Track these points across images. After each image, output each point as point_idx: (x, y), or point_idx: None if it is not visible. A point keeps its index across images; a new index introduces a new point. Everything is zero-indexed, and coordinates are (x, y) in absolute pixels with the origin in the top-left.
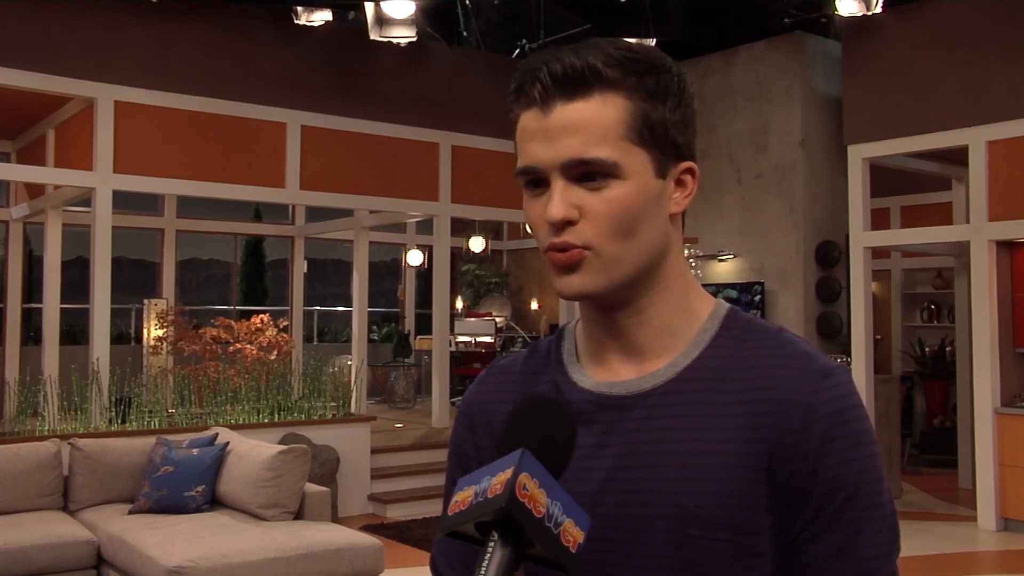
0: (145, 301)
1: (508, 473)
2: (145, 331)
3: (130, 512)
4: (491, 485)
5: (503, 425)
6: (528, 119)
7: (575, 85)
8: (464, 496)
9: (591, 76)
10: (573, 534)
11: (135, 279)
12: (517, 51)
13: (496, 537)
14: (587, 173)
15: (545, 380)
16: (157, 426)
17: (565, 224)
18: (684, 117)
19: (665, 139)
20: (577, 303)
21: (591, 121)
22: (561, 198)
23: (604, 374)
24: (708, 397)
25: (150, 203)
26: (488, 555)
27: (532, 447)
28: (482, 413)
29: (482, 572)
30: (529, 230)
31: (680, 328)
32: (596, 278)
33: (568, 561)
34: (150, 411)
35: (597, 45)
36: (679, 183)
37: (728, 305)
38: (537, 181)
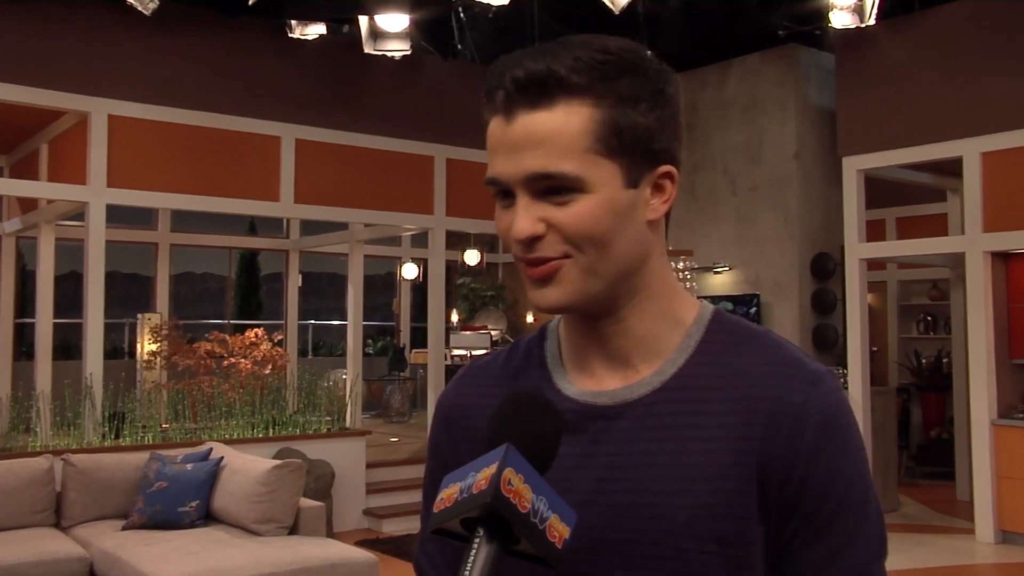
0: (139, 315)
1: (493, 468)
2: (139, 345)
3: (123, 528)
4: (476, 481)
5: (489, 419)
6: (494, 127)
7: (538, 93)
8: (449, 493)
9: (554, 84)
10: (559, 530)
11: (129, 293)
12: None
13: (482, 533)
14: (552, 187)
15: (528, 384)
16: (151, 441)
17: (533, 240)
18: (661, 119)
19: (636, 146)
20: None
21: (553, 133)
22: (526, 214)
23: (588, 382)
24: (697, 406)
25: (144, 217)
26: (474, 552)
27: (517, 443)
28: (463, 417)
29: (468, 569)
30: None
31: (664, 335)
32: (572, 291)
33: (554, 557)
34: (144, 426)
35: (567, 46)
36: (657, 188)
37: (712, 307)
38: (506, 192)
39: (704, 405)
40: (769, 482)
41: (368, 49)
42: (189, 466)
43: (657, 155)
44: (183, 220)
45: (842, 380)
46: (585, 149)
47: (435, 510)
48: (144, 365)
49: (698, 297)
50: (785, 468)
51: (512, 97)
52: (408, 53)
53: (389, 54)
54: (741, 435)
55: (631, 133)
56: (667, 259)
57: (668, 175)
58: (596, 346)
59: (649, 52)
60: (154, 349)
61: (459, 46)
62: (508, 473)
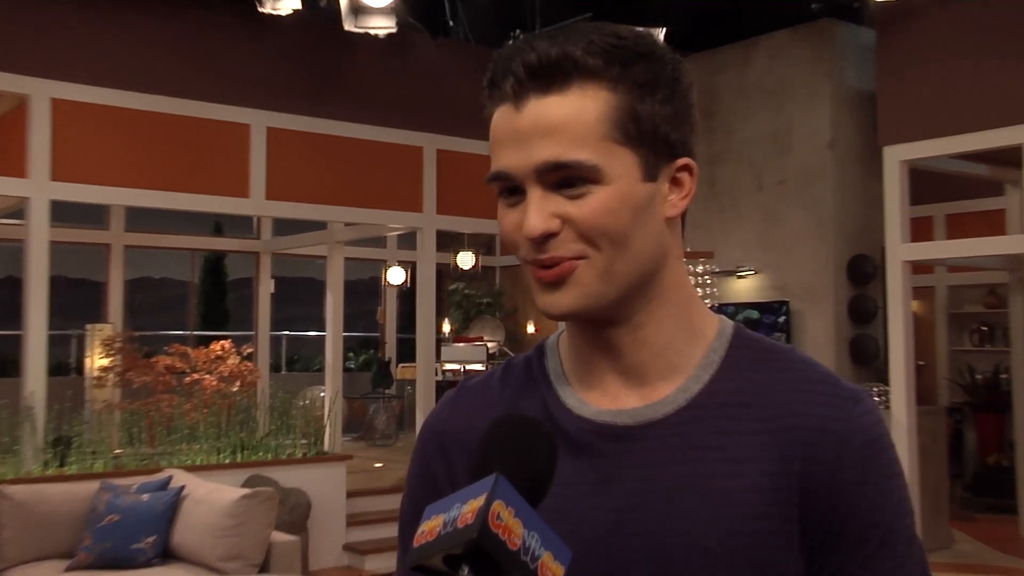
0: (88, 326)
1: (480, 500)
2: (88, 361)
3: (68, 569)
4: (461, 514)
5: (475, 446)
6: (500, 117)
7: (551, 77)
8: (432, 526)
9: (568, 66)
10: (552, 569)
11: (77, 301)
12: (510, 44)
13: (466, 572)
14: (565, 179)
15: (531, 405)
16: (101, 469)
17: (546, 237)
18: (678, 110)
19: (655, 136)
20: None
21: (569, 118)
22: (538, 209)
23: (602, 399)
24: (727, 425)
25: (94, 215)
26: None
27: (508, 472)
28: (459, 442)
29: None
30: (504, 243)
31: (684, 347)
32: (587, 294)
33: None
34: (93, 452)
35: (579, 31)
36: (675, 183)
37: (733, 323)
38: (512, 189)
39: (735, 424)
40: (812, 509)
41: (349, 26)
42: (145, 496)
43: (675, 146)
44: (139, 218)
45: (883, 398)
46: (602, 136)
47: (415, 544)
48: (94, 383)
49: (720, 305)
50: (830, 494)
51: (522, 82)
52: (394, 31)
53: (372, 32)
54: (779, 457)
55: (649, 122)
56: (684, 263)
57: (687, 168)
58: (608, 359)
59: (661, 40)
60: (105, 364)
61: (451, 23)
62: (497, 506)
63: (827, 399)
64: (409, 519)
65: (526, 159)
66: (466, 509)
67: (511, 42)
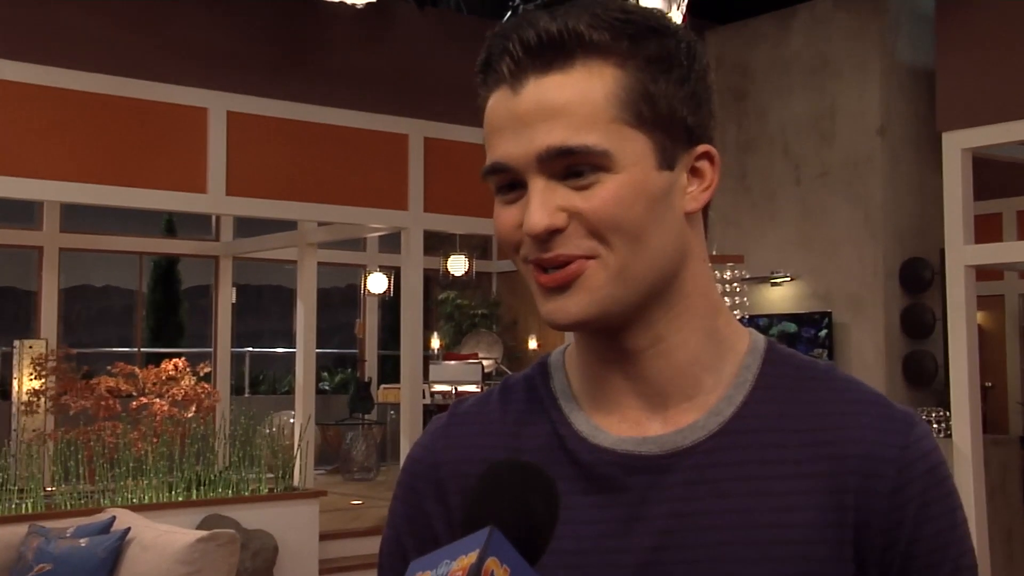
0: (16, 342)
1: (472, 557)
2: (16, 382)
3: None
4: (451, 571)
5: (466, 495)
6: (496, 102)
7: (552, 55)
8: None
9: (571, 41)
10: None
11: (3, 313)
12: (509, 14)
13: None
14: (571, 167)
15: (539, 432)
16: (30, 510)
17: (551, 234)
18: (695, 91)
19: (671, 119)
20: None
21: (574, 99)
22: (542, 201)
23: (621, 425)
24: (769, 453)
25: (24, 213)
26: None
27: (502, 524)
28: (456, 476)
29: None
30: (501, 245)
31: (712, 363)
32: (599, 298)
33: None
34: (21, 490)
35: (580, 5)
36: (694, 173)
37: (764, 337)
38: (511, 184)
39: (777, 451)
40: (870, 544)
41: None
42: (83, 541)
43: (693, 131)
44: (77, 217)
45: (943, 425)
46: (611, 118)
47: None
48: (22, 408)
49: (750, 317)
50: (890, 527)
51: (520, 62)
52: (374, 1)
53: (350, 1)
54: (829, 487)
55: (664, 101)
56: (709, 266)
57: (707, 156)
58: (624, 377)
59: (677, 17)
60: (37, 387)
61: None
62: (491, 563)
63: (880, 422)
64: (390, 567)
65: (527, 146)
66: (456, 566)
67: (507, 18)
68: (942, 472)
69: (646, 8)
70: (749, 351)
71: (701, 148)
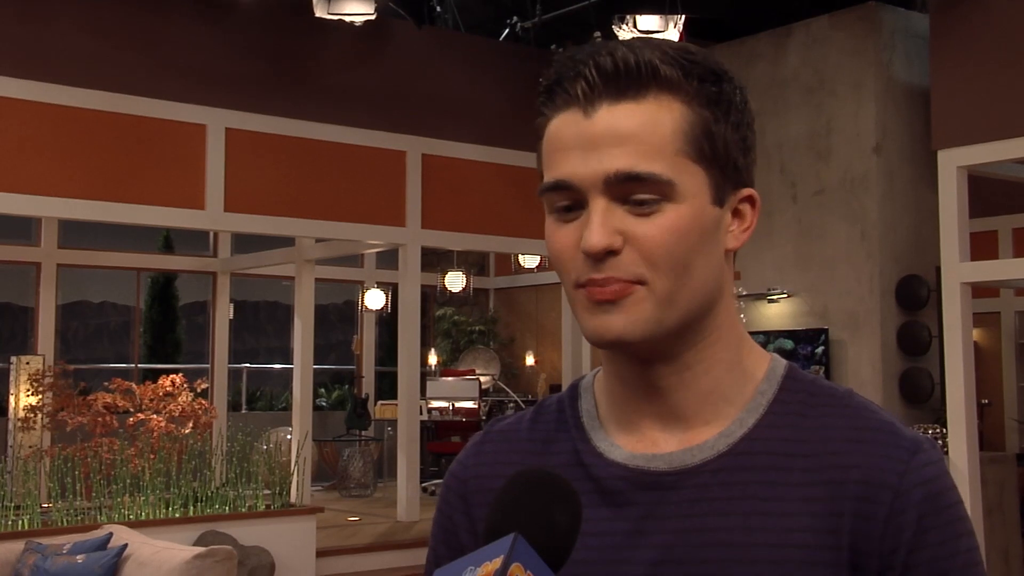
0: (13, 359)
1: (496, 563)
2: (13, 399)
3: None
4: None
5: (491, 503)
6: (563, 123)
7: (627, 84)
8: None
9: (647, 74)
10: None
11: (1, 329)
12: (506, 32)
13: None
14: (635, 193)
15: (562, 450)
16: (26, 527)
17: (607, 254)
18: (746, 137)
19: (726, 159)
20: (596, 358)
21: (644, 128)
22: (603, 221)
23: (638, 444)
24: (772, 475)
25: (22, 229)
26: None
27: (527, 532)
28: (482, 491)
29: None
30: (552, 264)
31: (731, 390)
32: (644, 320)
33: None
34: (17, 506)
35: (648, 42)
36: (736, 214)
37: (786, 362)
38: (568, 205)
39: (780, 474)
40: (865, 568)
41: (320, 12)
42: (80, 558)
43: (741, 174)
44: (75, 234)
45: (939, 442)
46: (676, 151)
47: None
48: (19, 424)
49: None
50: (885, 554)
51: (594, 87)
52: (372, 17)
53: (348, 19)
54: (828, 511)
55: (722, 141)
56: (736, 299)
57: (750, 199)
58: (649, 401)
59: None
60: (33, 403)
61: (438, 9)
62: (515, 569)
63: (883, 449)
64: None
65: (595, 167)
66: (480, 573)
67: (563, 51)
68: (947, 499)
69: (708, 52)
70: (766, 377)
71: (746, 191)
